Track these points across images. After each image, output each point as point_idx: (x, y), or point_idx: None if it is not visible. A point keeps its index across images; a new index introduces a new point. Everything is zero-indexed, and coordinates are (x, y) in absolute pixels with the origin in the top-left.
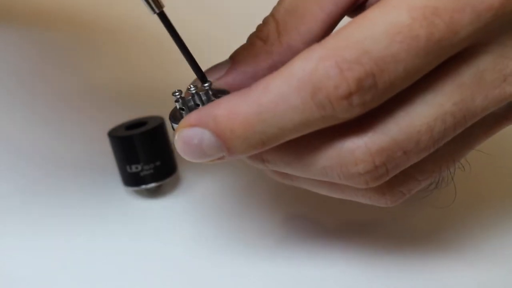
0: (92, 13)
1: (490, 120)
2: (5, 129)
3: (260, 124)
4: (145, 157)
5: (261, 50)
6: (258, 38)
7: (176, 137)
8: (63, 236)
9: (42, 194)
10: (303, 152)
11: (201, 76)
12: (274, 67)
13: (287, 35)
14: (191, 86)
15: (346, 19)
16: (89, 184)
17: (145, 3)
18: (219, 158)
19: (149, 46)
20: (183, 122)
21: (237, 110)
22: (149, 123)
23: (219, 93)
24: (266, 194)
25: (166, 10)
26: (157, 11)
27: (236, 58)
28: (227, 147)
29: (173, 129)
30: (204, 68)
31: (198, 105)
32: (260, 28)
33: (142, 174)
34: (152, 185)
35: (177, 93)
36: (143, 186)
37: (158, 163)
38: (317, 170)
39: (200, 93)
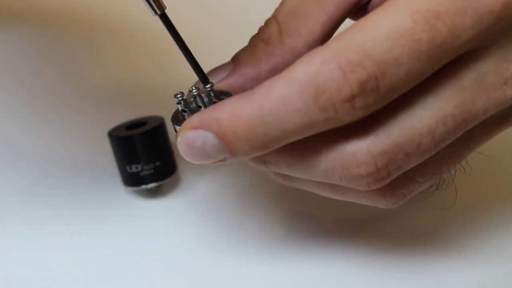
0: (92, 13)
1: (491, 122)
2: (5, 129)
3: (262, 127)
4: (145, 157)
5: (263, 52)
6: (260, 39)
7: (178, 139)
8: (63, 236)
9: (42, 194)
10: (305, 154)
11: (203, 77)
12: (276, 69)
13: (289, 37)
14: (193, 88)
15: (347, 21)
16: (89, 184)
17: (146, 5)
18: (221, 160)
19: (149, 46)
20: (185, 124)
21: (239, 112)
22: (149, 123)
23: (221, 95)
24: (266, 194)
25: (168, 11)
26: (158, 12)
27: (238, 60)
28: (229, 149)
29: (176, 131)
30: (206, 70)
31: (200, 107)
32: (262, 30)
33: (142, 174)
34: (152, 185)
35: (179, 95)
36: (143, 186)
37: (158, 163)
38: (319, 172)
39: (202, 95)
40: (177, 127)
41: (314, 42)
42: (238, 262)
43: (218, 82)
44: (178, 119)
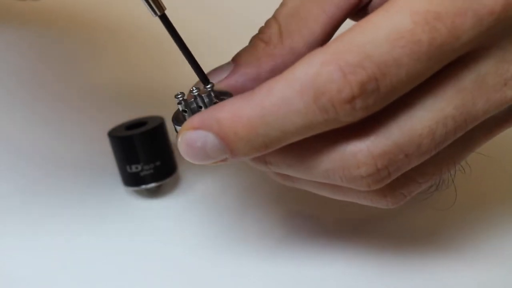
0: (92, 13)
1: (491, 123)
2: (5, 129)
3: (263, 127)
4: (145, 157)
5: (263, 53)
6: (260, 40)
7: (179, 139)
8: (63, 236)
9: (42, 194)
10: (306, 154)
11: (203, 78)
12: (276, 70)
13: (289, 38)
14: (194, 88)
15: (347, 22)
16: (89, 184)
17: (146, 6)
18: (222, 160)
19: (149, 47)
20: (186, 124)
21: (240, 113)
22: (149, 123)
23: (222, 95)
24: (266, 194)
25: (168, 12)
26: (158, 13)
27: (238, 60)
28: (230, 149)
29: (176, 131)
30: (206, 70)
31: (200, 107)
32: (262, 30)
33: (142, 174)
34: (152, 185)
35: (179, 96)
36: (143, 186)
37: (158, 163)
38: (319, 173)
39: (203, 95)
40: (178, 127)
41: (314, 42)
42: (238, 262)
43: (219, 82)
44: (178, 119)
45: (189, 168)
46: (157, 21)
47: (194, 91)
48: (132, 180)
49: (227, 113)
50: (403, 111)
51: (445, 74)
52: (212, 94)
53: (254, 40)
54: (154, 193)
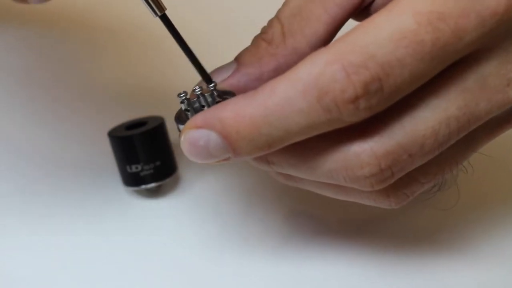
0: (92, 13)
1: (493, 123)
2: (5, 129)
3: (266, 127)
4: (145, 157)
5: (266, 52)
6: (263, 40)
7: (182, 138)
8: (63, 236)
9: (42, 194)
10: (309, 154)
11: (206, 77)
12: (279, 69)
13: (292, 37)
14: (197, 87)
15: (350, 22)
16: (89, 184)
17: (147, 6)
18: (224, 159)
19: (150, 46)
20: (189, 123)
21: (243, 112)
22: (149, 123)
23: (224, 94)
24: (266, 193)
25: (168, 12)
26: (159, 14)
27: (241, 60)
28: (233, 148)
29: (179, 130)
30: (208, 70)
31: (203, 107)
32: (265, 30)
33: (142, 174)
34: (152, 185)
35: (182, 95)
36: (143, 186)
37: (158, 163)
38: (323, 173)
39: (206, 94)
40: (181, 126)
41: (317, 42)
42: (239, 262)
43: (221, 82)
44: (181, 118)
45: (189, 168)
46: (157, 22)
47: (197, 90)
48: (132, 180)
49: (230, 113)
50: (406, 112)
51: (448, 75)
52: (215, 93)
53: (257, 40)
54: (154, 193)
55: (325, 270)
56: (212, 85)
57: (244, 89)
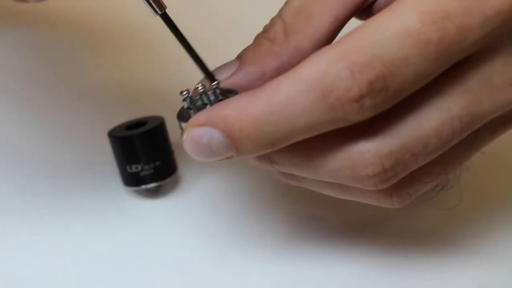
0: (92, 13)
1: (496, 122)
2: (5, 129)
3: (269, 125)
4: (145, 157)
5: (268, 51)
6: (265, 38)
7: (184, 136)
8: (63, 236)
9: (42, 194)
10: (312, 154)
11: (209, 74)
12: (281, 68)
13: (294, 36)
14: (199, 85)
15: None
16: (89, 184)
17: (147, 5)
18: (227, 158)
19: (150, 46)
20: (191, 121)
21: (246, 110)
22: (149, 123)
23: (227, 93)
24: (266, 193)
25: (168, 11)
26: (159, 12)
27: (243, 58)
28: (236, 147)
29: (181, 128)
30: (210, 69)
31: (206, 105)
32: (267, 28)
33: (142, 174)
34: (152, 185)
35: (184, 93)
36: (143, 186)
37: (158, 163)
38: (326, 172)
39: (208, 92)
40: (183, 125)
41: (319, 41)
42: (239, 262)
43: (224, 80)
44: (183, 116)
45: (189, 168)
46: (157, 22)
47: (199, 88)
48: (132, 180)
49: (233, 110)
50: (410, 111)
51: (452, 75)
52: (218, 92)
53: (259, 38)
54: (154, 193)
55: (325, 270)
56: (215, 83)
57: (246, 88)
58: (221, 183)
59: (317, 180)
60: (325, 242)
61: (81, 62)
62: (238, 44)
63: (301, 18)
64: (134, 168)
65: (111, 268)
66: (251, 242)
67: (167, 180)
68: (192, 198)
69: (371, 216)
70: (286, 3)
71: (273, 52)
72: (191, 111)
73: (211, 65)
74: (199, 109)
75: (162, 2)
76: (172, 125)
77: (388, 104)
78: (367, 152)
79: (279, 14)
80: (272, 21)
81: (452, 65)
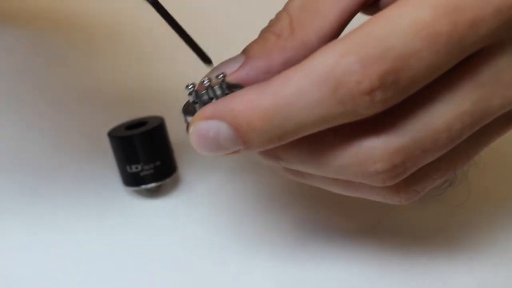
0: (91, 13)
1: (505, 118)
2: (5, 129)
3: (278, 118)
4: (145, 157)
5: (274, 46)
6: (271, 33)
7: (190, 130)
8: (63, 236)
9: (42, 194)
10: (320, 150)
11: (203, 57)
12: (288, 63)
13: (301, 30)
14: (205, 79)
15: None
16: (89, 184)
17: None
18: (233, 152)
19: (150, 46)
20: (198, 114)
21: (255, 103)
22: (149, 123)
23: (233, 87)
24: (266, 193)
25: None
26: None
27: (249, 52)
28: (243, 140)
29: (186, 122)
30: (215, 63)
31: (211, 99)
32: (273, 23)
33: (142, 174)
34: (152, 185)
35: (190, 86)
36: (143, 186)
37: (158, 163)
38: (333, 168)
39: (214, 87)
40: (189, 118)
41: (326, 35)
42: (239, 262)
43: (230, 75)
44: (189, 110)
45: (189, 168)
46: (157, 22)
47: (205, 82)
48: (132, 180)
49: (241, 103)
50: (420, 106)
51: (462, 69)
52: (224, 85)
53: (265, 33)
54: (154, 193)
55: (325, 270)
56: (221, 76)
57: (252, 83)
58: (221, 183)
59: (323, 177)
60: (326, 241)
61: (81, 62)
62: (238, 43)
63: (307, 12)
64: (134, 168)
65: (111, 268)
66: (251, 242)
67: (167, 180)
68: (192, 198)
69: (373, 215)
70: None
71: (279, 46)
72: (197, 105)
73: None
74: (204, 103)
75: None
76: (172, 125)
77: (399, 98)
78: (376, 148)
79: (285, 8)
80: (278, 15)
81: (462, 59)
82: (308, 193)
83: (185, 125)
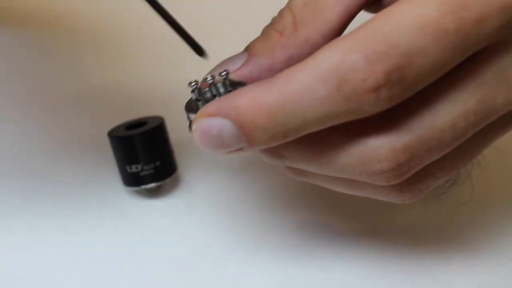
0: (91, 13)
1: (509, 116)
2: (5, 129)
3: (282, 115)
4: (145, 157)
5: (277, 43)
6: (274, 30)
7: (194, 127)
8: (63, 236)
9: (42, 194)
10: (324, 149)
11: (197, 49)
12: (291, 60)
13: (304, 28)
14: (208, 76)
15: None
16: (89, 184)
17: None
18: (237, 150)
19: (149, 46)
20: (201, 111)
21: (259, 100)
22: (149, 123)
23: (236, 84)
24: (266, 193)
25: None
26: None
27: (252, 50)
28: (247, 138)
29: (189, 119)
30: (216, 62)
31: (214, 96)
32: (275, 20)
33: (142, 174)
34: (152, 185)
35: (193, 84)
36: (143, 186)
37: (158, 163)
38: (337, 167)
39: (217, 84)
40: (191, 116)
41: (329, 33)
42: (239, 262)
43: (233, 72)
44: (191, 108)
45: (189, 168)
46: (157, 22)
47: (208, 80)
48: (132, 180)
49: (246, 101)
50: (425, 105)
51: (467, 67)
52: (227, 82)
53: (268, 30)
54: (154, 193)
55: (325, 270)
56: (224, 73)
57: (255, 80)
58: (221, 183)
59: (326, 176)
60: (326, 241)
61: (81, 62)
62: (239, 41)
63: (310, 9)
64: (134, 168)
65: (111, 268)
66: (251, 242)
67: (167, 180)
68: (192, 198)
69: (373, 215)
70: None
71: (282, 44)
72: (200, 103)
73: (213, 61)
74: (207, 100)
75: None
76: (172, 125)
77: (405, 95)
78: (381, 146)
79: (288, 5)
80: (281, 12)
81: (467, 57)
82: (308, 194)
83: (186, 124)
